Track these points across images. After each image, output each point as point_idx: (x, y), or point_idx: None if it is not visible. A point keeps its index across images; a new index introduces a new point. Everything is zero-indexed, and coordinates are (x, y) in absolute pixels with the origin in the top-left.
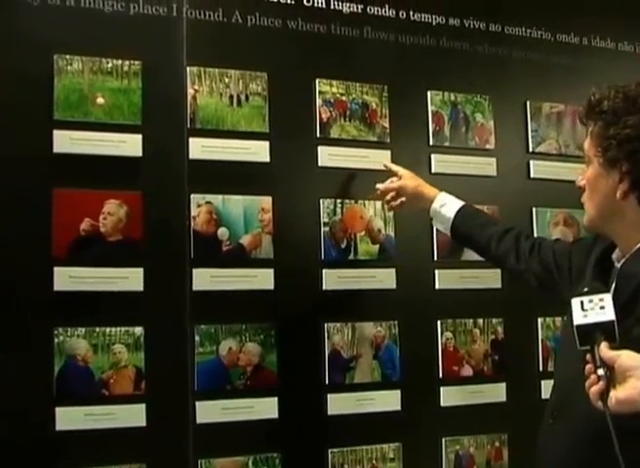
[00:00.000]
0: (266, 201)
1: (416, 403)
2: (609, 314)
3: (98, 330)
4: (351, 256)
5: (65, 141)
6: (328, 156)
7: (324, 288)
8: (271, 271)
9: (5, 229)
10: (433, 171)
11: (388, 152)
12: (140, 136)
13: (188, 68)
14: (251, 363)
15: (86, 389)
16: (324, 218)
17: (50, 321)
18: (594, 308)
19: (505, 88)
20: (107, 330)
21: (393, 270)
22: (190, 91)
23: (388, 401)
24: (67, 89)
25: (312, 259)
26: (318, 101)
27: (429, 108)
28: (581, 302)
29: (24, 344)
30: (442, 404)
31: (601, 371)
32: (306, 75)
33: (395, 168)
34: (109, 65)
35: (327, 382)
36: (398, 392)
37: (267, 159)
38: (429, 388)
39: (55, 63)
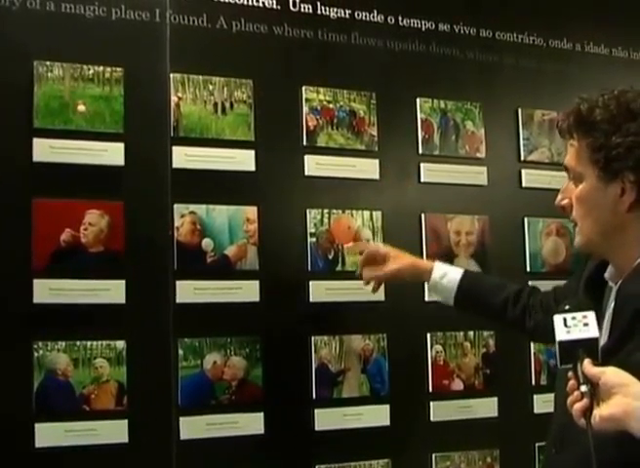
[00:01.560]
0: (252, 211)
1: (405, 418)
2: (592, 331)
3: (78, 343)
4: (339, 268)
5: (45, 150)
6: (315, 165)
7: (311, 300)
8: (257, 283)
9: None
10: (422, 180)
11: (377, 161)
12: (122, 145)
13: (172, 75)
14: (236, 377)
15: (66, 404)
16: (311, 229)
17: (29, 334)
18: (577, 325)
19: (496, 95)
20: (88, 343)
21: None
22: (174, 98)
23: (377, 416)
24: (48, 96)
25: (299, 271)
26: (305, 109)
27: (418, 116)
28: (564, 319)
29: (3, 358)
30: (432, 419)
31: (584, 388)
32: (293, 82)
33: (383, 250)
34: (91, 72)
35: (314, 397)
36: (387, 407)
37: (253, 168)
38: (419, 403)
39: (35, 70)
